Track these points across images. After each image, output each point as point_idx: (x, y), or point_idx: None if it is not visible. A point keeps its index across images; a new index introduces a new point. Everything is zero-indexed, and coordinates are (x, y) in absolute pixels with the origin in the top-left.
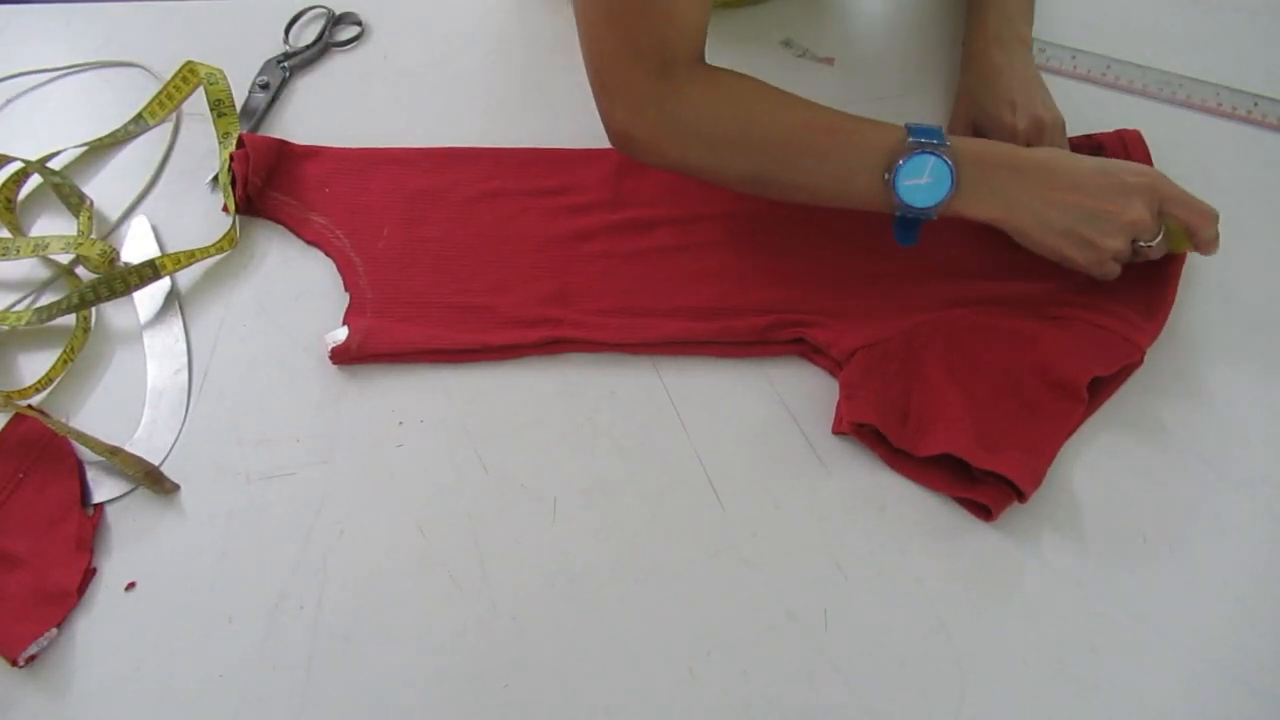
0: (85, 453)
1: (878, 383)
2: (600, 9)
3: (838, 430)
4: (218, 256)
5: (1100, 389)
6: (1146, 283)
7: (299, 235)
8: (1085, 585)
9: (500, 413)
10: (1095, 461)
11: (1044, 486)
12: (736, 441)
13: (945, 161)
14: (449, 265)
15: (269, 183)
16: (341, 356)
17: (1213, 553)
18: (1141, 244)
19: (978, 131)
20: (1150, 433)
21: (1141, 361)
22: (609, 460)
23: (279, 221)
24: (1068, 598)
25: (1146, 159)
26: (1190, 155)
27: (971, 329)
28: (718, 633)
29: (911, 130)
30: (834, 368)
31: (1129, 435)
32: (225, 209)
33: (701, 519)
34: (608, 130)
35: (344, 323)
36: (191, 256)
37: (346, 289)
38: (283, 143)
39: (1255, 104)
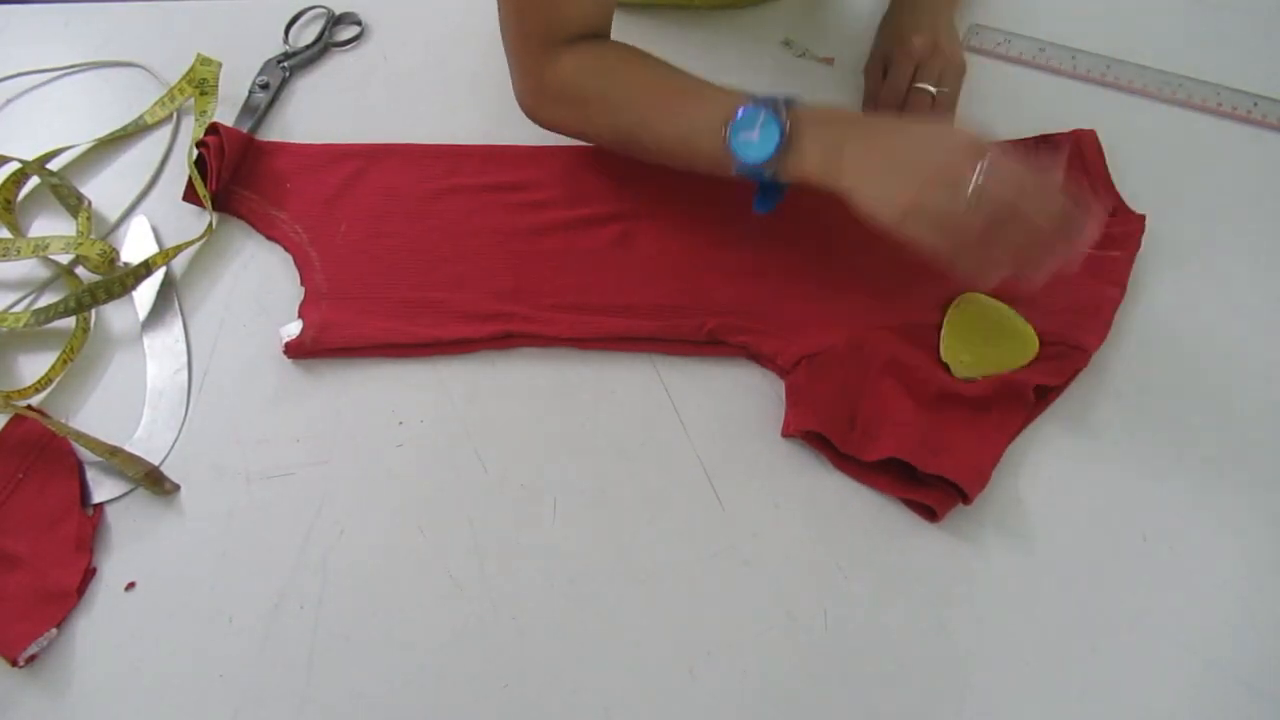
0: (85, 453)
1: (824, 389)
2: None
3: (786, 434)
4: (198, 244)
5: (1047, 392)
6: (1092, 284)
7: (261, 231)
8: (1085, 585)
9: (500, 413)
10: (1095, 462)
11: (1045, 488)
12: (736, 441)
13: (776, 117)
14: (405, 260)
15: (234, 178)
16: (296, 350)
17: (1213, 553)
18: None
19: (887, 62)
20: (1150, 433)
21: (1086, 363)
22: (609, 460)
23: (241, 217)
24: (1068, 598)
25: (1099, 158)
26: (1190, 155)
27: (917, 338)
28: (718, 633)
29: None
30: (780, 373)
31: (1129, 435)
32: (187, 196)
33: (701, 519)
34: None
35: (298, 316)
36: (177, 249)
37: (302, 283)
38: (250, 138)
39: (1255, 104)
